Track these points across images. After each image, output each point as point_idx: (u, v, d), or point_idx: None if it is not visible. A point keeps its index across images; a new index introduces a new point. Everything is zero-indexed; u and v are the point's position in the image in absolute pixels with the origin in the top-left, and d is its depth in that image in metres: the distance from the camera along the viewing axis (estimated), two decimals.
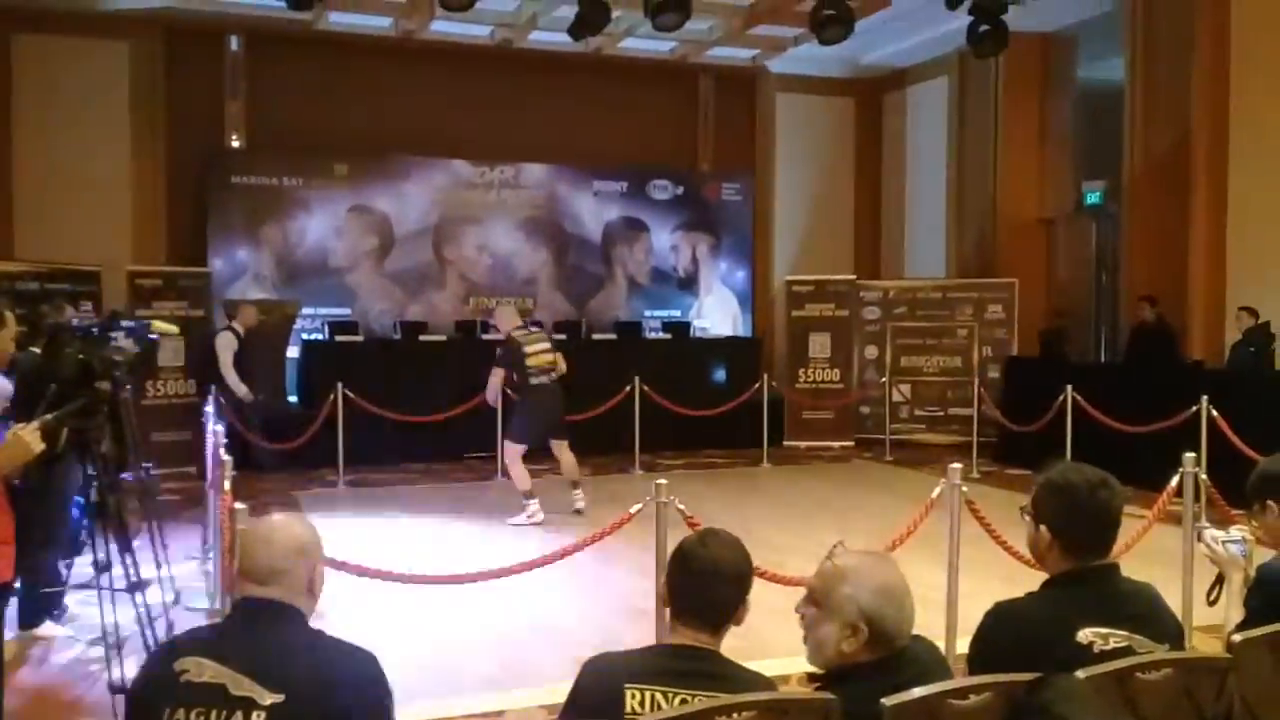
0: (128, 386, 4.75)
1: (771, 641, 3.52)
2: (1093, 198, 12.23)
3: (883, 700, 2.01)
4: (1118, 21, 11.28)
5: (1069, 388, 9.12)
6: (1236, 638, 2.48)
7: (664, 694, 2.08)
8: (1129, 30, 11.05)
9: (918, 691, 2.06)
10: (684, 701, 2.06)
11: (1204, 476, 4.91)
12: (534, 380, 7.83)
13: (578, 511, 7.99)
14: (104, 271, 10.30)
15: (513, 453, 7.92)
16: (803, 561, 5.86)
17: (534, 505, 7.87)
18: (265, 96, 12.05)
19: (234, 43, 12.01)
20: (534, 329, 8.04)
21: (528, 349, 7.83)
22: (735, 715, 2.02)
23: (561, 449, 8.04)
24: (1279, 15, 9.77)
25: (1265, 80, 9.81)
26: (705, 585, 2.24)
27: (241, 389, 9.68)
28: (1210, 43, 10.17)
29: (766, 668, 2.42)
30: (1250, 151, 9.95)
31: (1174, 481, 4.80)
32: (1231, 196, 10.12)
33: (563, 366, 8.03)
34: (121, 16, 11.22)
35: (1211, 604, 3.08)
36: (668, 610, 2.30)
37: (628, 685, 2.09)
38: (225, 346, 9.84)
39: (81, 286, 9.98)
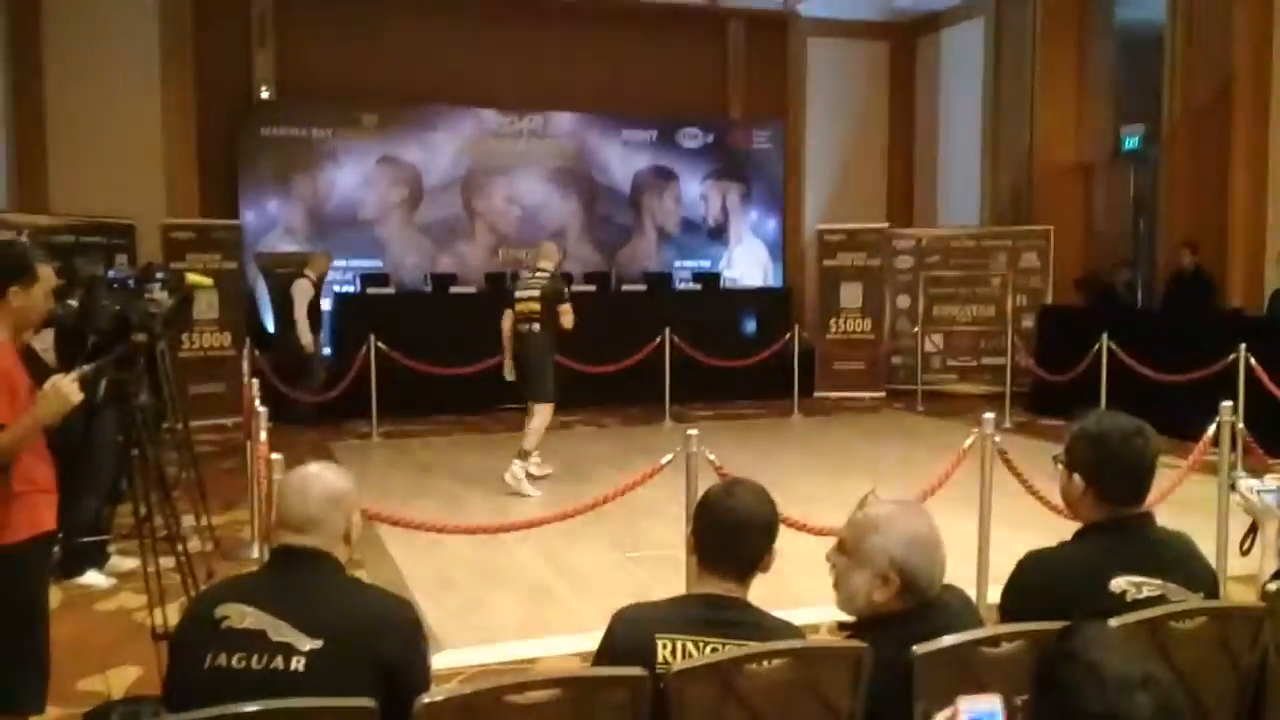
0: (163, 339, 4.80)
1: (802, 591, 3.54)
2: (1131, 143, 11.99)
3: (914, 648, 2.02)
4: None
5: (1104, 336, 9.02)
6: (1271, 587, 2.47)
7: (695, 643, 2.10)
8: None
9: (949, 639, 2.07)
10: (715, 650, 2.08)
11: (1241, 425, 4.86)
12: (519, 326, 7.45)
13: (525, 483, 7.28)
14: (138, 225, 10.38)
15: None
16: (833, 511, 5.88)
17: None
18: (294, 47, 12.01)
19: None
20: (538, 274, 7.50)
21: (516, 294, 7.52)
22: (767, 663, 2.04)
23: (536, 411, 7.41)
24: None
25: None
26: (732, 534, 2.25)
27: (308, 338, 9.79)
28: None
29: (797, 617, 2.43)
30: None
31: (1210, 431, 4.75)
32: (1273, 142, 9.89)
33: (567, 321, 7.35)
34: None
35: (1245, 553, 3.06)
36: (695, 560, 2.32)
37: (658, 635, 2.11)
38: (302, 294, 9.89)
39: (116, 239, 10.07)
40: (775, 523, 2.32)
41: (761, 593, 2.30)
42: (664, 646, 2.10)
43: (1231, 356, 7.65)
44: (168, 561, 4.02)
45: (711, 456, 4.01)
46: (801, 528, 4.32)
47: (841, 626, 2.25)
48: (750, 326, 12.42)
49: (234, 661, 2.01)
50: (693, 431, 4.00)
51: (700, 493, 2.47)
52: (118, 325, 4.01)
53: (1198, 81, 10.54)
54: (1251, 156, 9.97)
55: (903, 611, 2.14)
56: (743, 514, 2.27)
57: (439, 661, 4.11)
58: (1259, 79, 9.91)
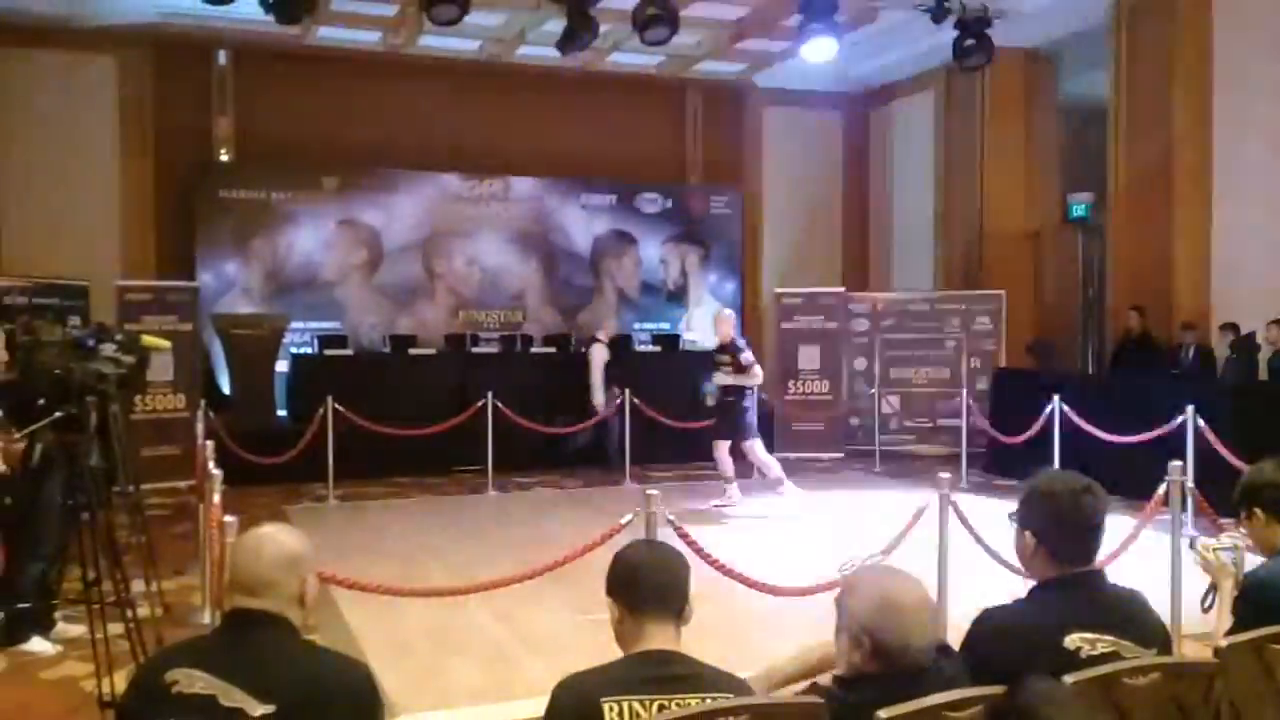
0: (115, 401, 4.73)
1: (759, 650, 3.53)
2: (1078, 210, 12.30)
3: (878, 712, 2.01)
4: (1102, 36, 11.38)
5: (1056, 398, 9.15)
6: (1223, 643, 2.50)
7: (642, 703, 2.09)
8: (1113, 45, 11.15)
9: (912, 705, 2.05)
10: (662, 708, 2.07)
11: (1190, 485, 4.94)
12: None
13: (729, 506, 8.62)
14: (92, 286, 10.27)
15: (759, 444, 8.71)
16: (791, 571, 5.86)
17: (788, 485, 8.58)
18: (254, 111, 12.06)
19: (222, 57, 12.03)
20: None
21: None
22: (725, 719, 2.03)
23: (727, 449, 8.73)
24: (1260, 29, 9.88)
25: (1247, 92, 9.92)
26: (661, 582, 2.27)
27: (600, 397, 10.68)
28: (1193, 57, 10.27)
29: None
30: (1233, 164, 10.04)
31: (1161, 490, 4.83)
32: (1214, 209, 10.20)
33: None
34: (109, 31, 11.23)
35: (1206, 611, 3.10)
36: (622, 624, 2.29)
37: (604, 699, 2.09)
38: (598, 358, 10.80)
39: (70, 301, 9.94)
40: (689, 568, 2.36)
41: (717, 652, 2.29)
42: (611, 710, 2.07)
43: (1180, 418, 7.79)
44: (116, 628, 3.93)
45: (671, 517, 4.01)
46: (760, 588, 4.33)
47: (836, 679, 2.24)
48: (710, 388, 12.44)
49: None
50: (652, 491, 4.00)
51: None
52: (59, 388, 3.95)
53: (1141, 152, 10.87)
54: (1193, 224, 10.27)
55: (889, 674, 2.13)
56: (665, 560, 2.33)
57: None
58: (1199, 149, 10.25)
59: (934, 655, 2.18)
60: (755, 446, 8.66)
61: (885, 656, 2.13)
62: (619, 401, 10.33)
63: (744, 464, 8.87)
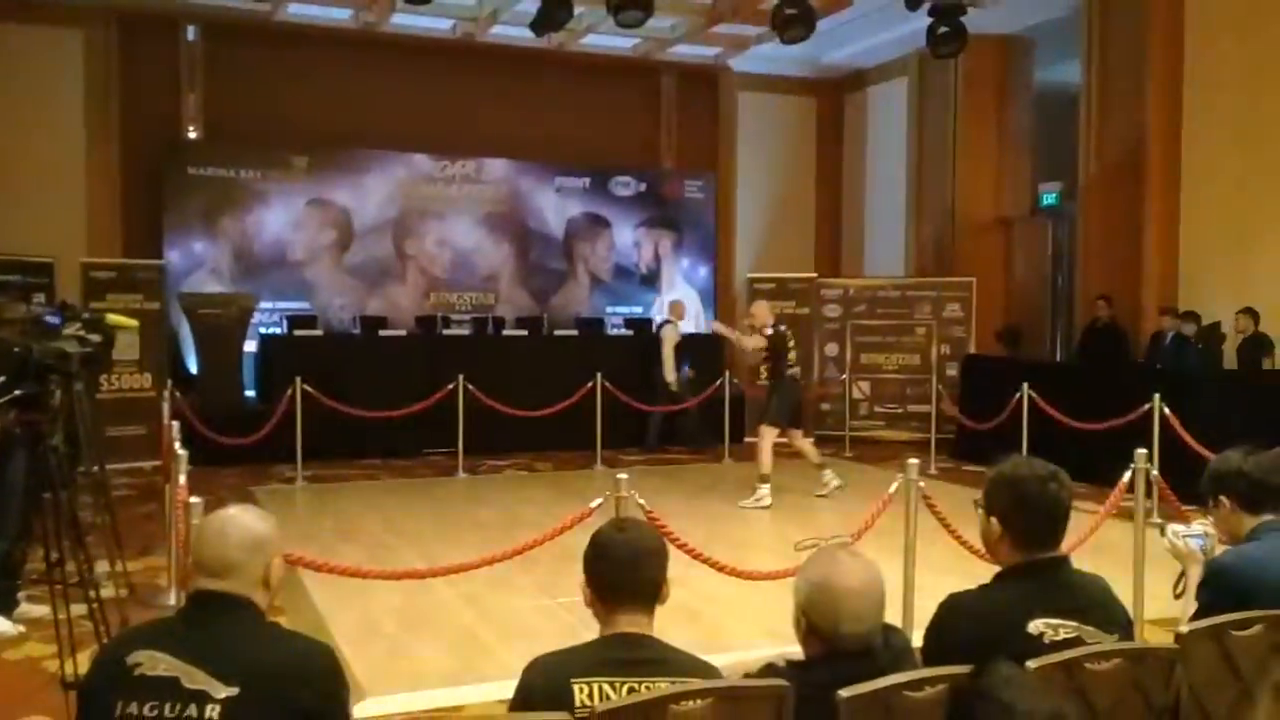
0: (79, 380, 4.66)
1: (730, 634, 3.55)
2: (1049, 198, 12.41)
3: (839, 692, 2.02)
4: (1074, 25, 11.44)
5: (1025, 385, 9.23)
6: (1184, 629, 2.53)
7: (611, 685, 2.10)
8: (1085, 33, 11.22)
9: (872, 684, 2.07)
10: (632, 690, 2.08)
11: (1155, 472, 4.99)
12: (789, 372, 8.57)
13: (836, 489, 8.66)
14: (57, 263, 10.12)
15: (770, 435, 8.49)
16: (762, 556, 5.89)
17: (766, 489, 8.37)
18: (223, 88, 11.91)
19: (191, 33, 11.86)
20: (783, 328, 8.77)
21: (790, 344, 8.66)
22: (691, 702, 2.04)
23: (800, 437, 8.88)
24: (1231, 19, 9.96)
25: (1217, 84, 10.00)
26: (631, 566, 2.27)
27: (671, 376, 11.18)
28: (1164, 46, 10.34)
29: (722, 661, 2.43)
30: (1203, 154, 10.13)
31: (1126, 477, 4.88)
32: (1184, 200, 10.30)
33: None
34: (76, 5, 11.05)
35: (1178, 597, 3.14)
36: (596, 605, 2.29)
37: (574, 680, 2.10)
38: (670, 338, 11.27)
39: (34, 278, 9.80)
40: (666, 551, 2.36)
41: (691, 636, 2.30)
42: (581, 691, 2.08)
43: (1146, 406, 7.87)
44: (79, 609, 3.88)
45: (641, 501, 4.01)
46: (731, 572, 4.34)
47: (789, 663, 2.25)
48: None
49: (145, 710, 1.94)
50: (623, 476, 4.00)
51: None
52: (18, 367, 3.89)
53: (1112, 141, 10.96)
54: (1163, 214, 10.37)
55: (843, 654, 2.14)
56: (637, 544, 2.30)
57: (362, 710, 4.02)
58: (1170, 139, 10.34)
59: (880, 636, 2.19)
60: (767, 435, 8.56)
61: (818, 637, 2.16)
62: (688, 381, 10.87)
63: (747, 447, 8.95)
